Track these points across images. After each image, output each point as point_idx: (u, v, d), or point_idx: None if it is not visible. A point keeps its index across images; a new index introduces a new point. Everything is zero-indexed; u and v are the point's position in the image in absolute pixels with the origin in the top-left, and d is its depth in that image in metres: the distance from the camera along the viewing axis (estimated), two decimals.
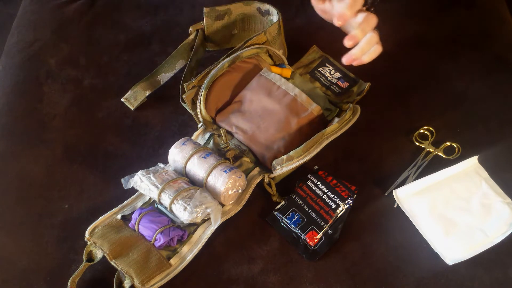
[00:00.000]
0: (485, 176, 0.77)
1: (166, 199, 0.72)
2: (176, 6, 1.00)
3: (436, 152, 0.80)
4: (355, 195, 0.76)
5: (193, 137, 0.81)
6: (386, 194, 0.77)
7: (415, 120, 0.84)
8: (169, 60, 0.90)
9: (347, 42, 0.69)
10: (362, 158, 0.81)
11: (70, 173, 0.81)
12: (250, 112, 0.82)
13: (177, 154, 0.76)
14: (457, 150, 0.80)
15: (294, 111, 0.81)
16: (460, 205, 0.74)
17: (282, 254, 0.73)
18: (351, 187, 0.77)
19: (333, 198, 0.76)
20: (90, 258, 0.72)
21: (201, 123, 0.82)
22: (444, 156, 0.80)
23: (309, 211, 0.75)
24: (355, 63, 0.72)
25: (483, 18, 0.98)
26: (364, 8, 0.73)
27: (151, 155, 0.83)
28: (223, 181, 0.72)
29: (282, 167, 0.75)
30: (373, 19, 0.71)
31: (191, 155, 0.75)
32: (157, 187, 0.72)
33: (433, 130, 0.82)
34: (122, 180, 0.75)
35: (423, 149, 0.81)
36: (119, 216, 0.74)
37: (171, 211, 0.73)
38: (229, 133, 0.82)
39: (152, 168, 0.76)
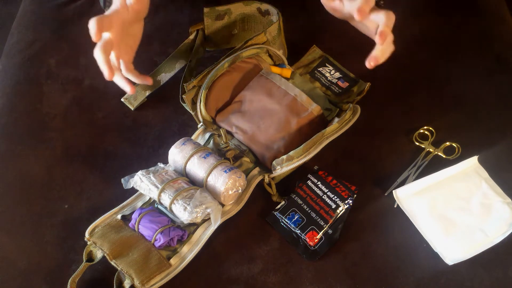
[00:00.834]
0: (485, 176, 0.77)
1: (166, 199, 0.72)
2: (176, 6, 1.00)
3: (436, 152, 0.80)
4: (355, 195, 0.76)
5: (193, 137, 0.81)
6: (386, 194, 0.77)
7: (415, 120, 0.84)
8: (169, 60, 0.90)
9: (379, 40, 0.67)
10: (362, 158, 0.81)
11: (70, 173, 0.81)
12: (250, 112, 0.82)
13: (177, 154, 0.76)
14: (457, 150, 0.80)
15: (294, 111, 0.81)
16: (460, 205, 0.74)
17: (282, 254, 0.73)
18: (351, 187, 0.77)
19: (333, 198, 0.76)
20: (90, 258, 0.72)
21: (201, 123, 0.82)
22: (444, 156, 0.80)
23: (309, 211, 0.75)
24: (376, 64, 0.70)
25: (483, 18, 0.98)
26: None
27: (151, 155, 0.82)
28: (223, 181, 0.72)
29: (282, 167, 0.75)
30: (393, 15, 0.70)
31: (191, 155, 0.75)
32: (157, 187, 0.72)
33: (433, 130, 0.82)
34: (122, 180, 0.75)
35: (423, 149, 0.81)
36: (119, 216, 0.74)
37: (171, 211, 0.73)
38: (229, 133, 0.82)
39: (152, 168, 0.76)
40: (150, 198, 0.76)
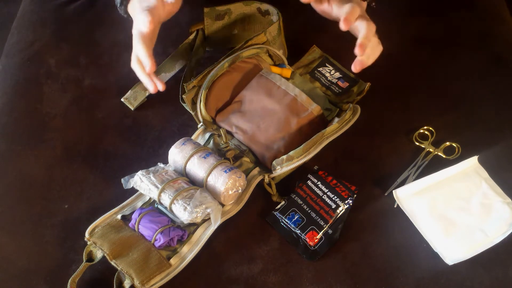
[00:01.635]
0: (485, 176, 0.77)
1: (166, 199, 0.72)
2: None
3: (436, 152, 0.80)
4: (355, 195, 0.76)
5: (193, 137, 0.81)
6: (386, 194, 0.77)
7: (415, 120, 0.84)
8: (169, 60, 0.90)
9: (358, 52, 0.70)
10: (362, 158, 0.81)
11: (70, 173, 0.81)
12: (250, 112, 0.82)
13: (177, 154, 0.76)
14: (457, 150, 0.80)
15: (294, 111, 0.81)
16: (460, 205, 0.74)
17: (282, 254, 0.73)
18: (351, 187, 0.77)
19: (333, 198, 0.76)
20: (90, 258, 0.72)
21: (201, 123, 0.82)
22: (444, 156, 0.80)
23: (309, 211, 0.75)
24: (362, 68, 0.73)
25: (483, 18, 0.98)
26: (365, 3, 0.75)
27: (151, 155, 0.82)
28: (223, 181, 0.72)
29: (282, 167, 0.75)
30: (373, 26, 0.73)
31: (191, 155, 0.75)
32: (157, 187, 0.72)
33: (433, 130, 0.82)
34: (122, 180, 0.75)
35: (423, 149, 0.81)
36: (119, 216, 0.74)
37: (171, 211, 0.73)
38: (229, 133, 0.82)
39: (152, 168, 0.76)
40: (150, 198, 0.76)
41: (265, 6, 0.89)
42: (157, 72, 0.89)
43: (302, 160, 0.75)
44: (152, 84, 0.77)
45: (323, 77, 0.89)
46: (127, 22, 0.96)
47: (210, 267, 0.72)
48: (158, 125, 0.86)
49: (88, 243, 0.72)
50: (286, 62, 0.88)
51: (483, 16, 0.98)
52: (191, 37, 0.90)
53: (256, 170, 0.78)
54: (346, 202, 0.75)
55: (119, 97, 0.88)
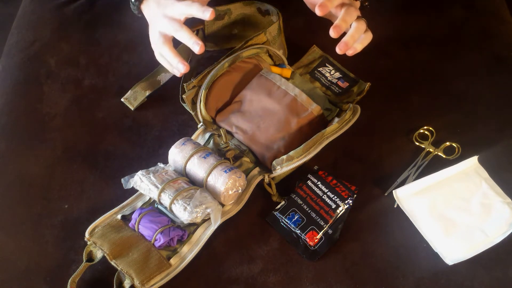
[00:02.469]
0: (485, 176, 0.77)
1: (166, 199, 0.72)
2: None
3: (436, 152, 0.80)
4: (355, 195, 0.76)
5: (193, 137, 0.81)
6: (386, 194, 0.77)
7: (415, 120, 0.84)
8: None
9: (332, 33, 0.70)
10: (362, 158, 0.81)
11: (70, 173, 0.81)
12: (250, 112, 0.82)
13: (177, 154, 0.76)
14: (457, 150, 0.80)
15: (294, 111, 0.81)
16: (460, 205, 0.74)
17: (282, 254, 0.73)
18: (351, 187, 0.77)
19: (333, 198, 0.76)
20: (90, 258, 0.72)
21: (201, 123, 0.82)
22: (444, 156, 0.80)
23: (309, 211, 0.75)
24: (349, 53, 0.73)
25: (483, 18, 0.98)
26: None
27: (151, 155, 0.82)
28: (223, 181, 0.72)
29: (282, 167, 0.75)
30: (354, 11, 0.72)
31: (191, 155, 0.75)
32: (157, 187, 0.72)
33: (433, 130, 0.82)
34: (122, 180, 0.75)
35: (423, 149, 0.81)
36: (119, 216, 0.74)
37: (171, 211, 0.73)
38: (229, 133, 0.82)
39: (152, 168, 0.76)
40: (150, 198, 0.76)
41: (265, 6, 0.89)
42: (157, 72, 0.89)
43: (302, 160, 0.75)
44: (183, 66, 0.76)
45: (323, 77, 0.89)
46: (127, 22, 0.97)
47: (210, 267, 0.72)
48: (158, 125, 0.86)
49: (88, 243, 0.72)
50: (286, 62, 0.88)
51: (483, 16, 0.98)
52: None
53: (256, 170, 0.78)
54: (346, 202, 0.75)
55: (119, 97, 0.88)
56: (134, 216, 0.74)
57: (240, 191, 0.75)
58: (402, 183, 0.77)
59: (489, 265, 0.71)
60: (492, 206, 0.74)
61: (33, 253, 0.74)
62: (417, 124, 0.83)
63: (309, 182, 0.78)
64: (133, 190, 0.76)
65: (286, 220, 0.74)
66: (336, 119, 0.79)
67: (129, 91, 0.88)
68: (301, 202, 0.76)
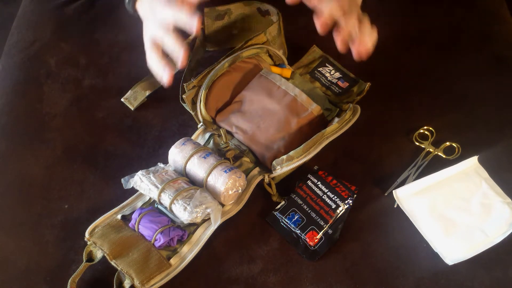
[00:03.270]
0: (485, 176, 0.77)
1: (166, 199, 0.72)
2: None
3: (436, 152, 0.80)
4: (355, 195, 0.76)
5: (193, 137, 0.81)
6: (386, 194, 0.77)
7: (415, 120, 0.84)
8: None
9: (319, 29, 0.70)
10: (362, 158, 0.81)
11: (70, 173, 0.81)
12: (250, 112, 0.82)
13: (177, 154, 0.76)
14: (457, 150, 0.80)
15: (294, 111, 0.81)
16: (460, 205, 0.74)
17: (282, 254, 0.73)
18: (351, 187, 0.77)
19: (333, 198, 0.76)
20: (90, 258, 0.72)
21: (201, 123, 0.82)
22: (444, 156, 0.80)
23: (309, 211, 0.75)
24: (365, 56, 0.73)
25: (483, 18, 0.98)
26: None
27: (151, 155, 0.82)
28: (223, 181, 0.72)
29: (282, 167, 0.75)
30: (354, 18, 0.72)
31: (191, 155, 0.75)
32: (157, 187, 0.72)
33: (433, 130, 0.82)
34: (122, 180, 0.75)
35: (423, 149, 0.81)
36: (119, 216, 0.74)
37: (171, 211, 0.73)
38: (229, 133, 0.82)
39: (152, 168, 0.76)
40: (150, 198, 0.76)
41: (265, 6, 0.89)
42: None
43: (302, 160, 0.75)
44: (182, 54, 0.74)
45: (323, 77, 0.89)
46: (127, 22, 0.97)
47: (210, 267, 0.72)
48: (158, 125, 0.86)
49: (88, 243, 0.72)
50: (286, 62, 0.88)
51: (483, 16, 0.98)
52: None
53: (256, 170, 0.78)
54: (346, 202, 0.75)
55: (119, 97, 0.88)
56: (134, 216, 0.74)
57: (240, 191, 0.75)
58: (402, 183, 0.77)
59: (489, 265, 0.71)
60: (492, 206, 0.74)
61: (33, 253, 0.74)
62: (417, 124, 0.83)
63: (309, 182, 0.78)
64: (133, 190, 0.76)
65: (286, 220, 0.74)
66: (336, 119, 0.79)
67: (129, 91, 0.88)
68: (301, 202, 0.76)
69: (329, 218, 0.74)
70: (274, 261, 0.72)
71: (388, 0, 0.99)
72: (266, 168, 0.79)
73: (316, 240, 0.73)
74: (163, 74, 0.73)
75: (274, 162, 0.76)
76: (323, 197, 0.76)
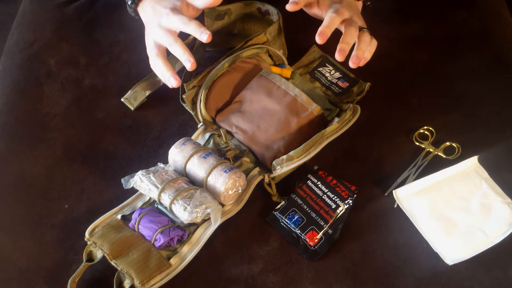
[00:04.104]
0: (485, 176, 0.77)
1: (166, 199, 0.72)
2: None
3: (436, 152, 0.80)
4: (355, 195, 0.76)
5: (193, 137, 0.81)
6: (386, 194, 0.77)
7: (415, 120, 0.84)
8: (169, 60, 0.90)
9: (338, 57, 0.73)
10: (362, 158, 0.81)
11: (70, 173, 0.81)
12: (250, 112, 0.82)
13: (177, 154, 0.76)
14: (457, 150, 0.80)
15: (294, 111, 0.81)
16: (460, 205, 0.74)
17: (282, 254, 0.73)
18: (351, 187, 0.77)
19: (333, 198, 0.76)
20: (90, 258, 0.72)
21: (201, 123, 0.82)
22: (444, 156, 0.80)
23: (309, 211, 0.75)
24: (361, 64, 0.76)
25: (483, 18, 0.98)
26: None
27: (151, 155, 0.82)
28: (223, 181, 0.72)
29: (282, 167, 0.75)
30: (354, 29, 0.75)
31: (191, 155, 0.75)
32: (157, 187, 0.72)
33: (433, 130, 0.82)
34: (122, 180, 0.75)
35: (423, 149, 0.81)
36: (119, 216, 0.74)
37: (171, 211, 0.73)
38: (229, 133, 0.82)
39: (152, 168, 0.76)
40: (150, 198, 0.76)
41: (265, 6, 0.89)
42: None
43: (302, 160, 0.75)
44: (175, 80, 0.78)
45: (323, 77, 0.89)
46: (127, 22, 0.97)
47: (210, 267, 0.72)
48: (158, 125, 0.86)
49: (88, 243, 0.72)
50: (286, 62, 0.88)
51: (483, 16, 0.98)
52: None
53: (256, 170, 0.78)
54: (346, 202, 0.75)
55: (119, 97, 0.88)
56: (134, 216, 0.74)
57: (240, 191, 0.75)
58: (402, 183, 0.77)
59: (489, 265, 0.71)
60: (492, 206, 0.74)
61: (33, 253, 0.74)
62: (417, 124, 0.83)
63: (309, 182, 0.78)
64: (133, 190, 0.76)
65: (286, 220, 0.74)
66: (336, 119, 0.79)
67: (129, 91, 0.88)
68: (301, 202, 0.76)
69: (329, 218, 0.74)
70: (274, 261, 0.72)
71: (388, 0, 0.99)
72: (266, 168, 0.79)
73: (316, 240, 0.73)
74: (169, 78, 0.77)
75: (274, 162, 0.76)
76: (323, 197, 0.76)
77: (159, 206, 0.75)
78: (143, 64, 0.92)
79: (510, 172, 0.78)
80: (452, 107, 0.86)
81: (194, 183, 0.76)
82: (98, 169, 0.82)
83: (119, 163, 0.82)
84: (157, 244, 0.71)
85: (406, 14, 0.98)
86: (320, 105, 0.82)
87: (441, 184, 0.76)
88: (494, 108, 0.85)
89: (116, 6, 1.00)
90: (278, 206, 0.76)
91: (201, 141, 0.81)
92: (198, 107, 0.81)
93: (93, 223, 0.73)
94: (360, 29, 0.76)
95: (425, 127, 0.83)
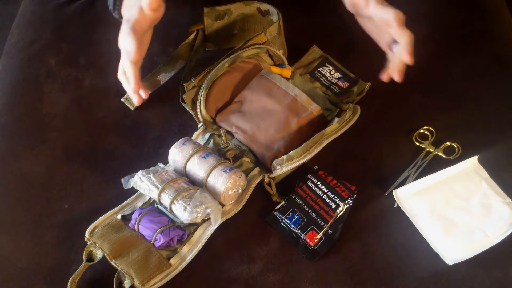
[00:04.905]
0: (485, 176, 0.77)
1: (166, 199, 0.72)
2: (176, 6, 1.00)
3: (436, 152, 0.80)
4: (355, 195, 0.76)
5: (193, 137, 0.81)
6: (386, 194, 0.77)
7: (415, 120, 0.84)
8: (169, 60, 0.90)
9: (409, 60, 0.71)
10: (362, 158, 0.81)
11: (70, 173, 0.81)
12: (250, 112, 0.82)
13: (177, 154, 0.76)
14: (457, 150, 0.80)
15: (294, 111, 0.81)
16: (460, 205, 0.74)
17: (282, 254, 0.73)
18: (351, 187, 0.77)
19: (333, 198, 0.76)
20: (90, 258, 0.72)
21: (201, 123, 0.82)
22: (444, 156, 0.80)
23: (309, 211, 0.75)
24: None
25: (483, 18, 0.98)
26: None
27: (151, 155, 0.82)
28: (223, 181, 0.72)
29: (282, 167, 0.75)
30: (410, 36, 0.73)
31: (191, 155, 0.75)
32: (157, 187, 0.72)
33: (433, 130, 0.82)
34: (122, 180, 0.75)
35: (423, 149, 0.81)
36: (119, 216, 0.74)
37: (171, 211, 0.73)
38: (229, 133, 0.82)
39: (152, 168, 0.76)
40: (150, 198, 0.76)
41: (265, 6, 0.89)
42: (157, 72, 0.89)
43: (302, 160, 0.75)
44: (136, 97, 0.79)
45: (323, 77, 0.89)
46: None
47: (210, 267, 0.72)
48: (158, 125, 0.86)
49: (88, 243, 0.72)
50: (286, 62, 0.88)
51: (483, 16, 0.98)
52: (191, 37, 0.90)
53: (256, 170, 0.78)
54: (346, 202, 0.75)
55: (119, 97, 0.88)
56: (134, 216, 0.74)
57: (240, 191, 0.75)
58: (402, 183, 0.77)
59: (489, 265, 0.71)
60: (492, 206, 0.74)
61: (33, 253, 0.74)
62: (417, 124, 0.83)
63: (309, 182, 0.78)
64: (133, 190, 0.76)
65: (286, 220, 0.74)
66: (336, 119, 0.79)
67: None
68: (301, 202, 0.76)
69: (329, 218, 0.74)
70: (274, 261, 0.72)
71: (388, 0, 0.99)
72: (266, 168, 0.79)
73: (316, 240, 0.73)
74: (132, 94, 0.78)
75: (274, 162, 0.76)
76: (323, 197, 0.76)
77: (159, 206, 0.75)
78: (143, 64, 0.92)
79: (510, 172, 0.78)
80: (452, 107, 0.86)
81: (194, 183, 0.76)
82: (98, 169, 0.82)
83: (119, 163, 0.82)
84: (157, 244, 0.71)
85: (406, 14, 0.98)
86: (320, 105, 0.82)
87: (441, 184, 0.76)
88: (494, 108, 0.85)
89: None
90: (278, 206, 0.76)
91: (201, 141, 0.81)
92: (198, 107, 0.81)
93: (93, 223, 0.73)
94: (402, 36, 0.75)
95: (425, 127, 0.83)
